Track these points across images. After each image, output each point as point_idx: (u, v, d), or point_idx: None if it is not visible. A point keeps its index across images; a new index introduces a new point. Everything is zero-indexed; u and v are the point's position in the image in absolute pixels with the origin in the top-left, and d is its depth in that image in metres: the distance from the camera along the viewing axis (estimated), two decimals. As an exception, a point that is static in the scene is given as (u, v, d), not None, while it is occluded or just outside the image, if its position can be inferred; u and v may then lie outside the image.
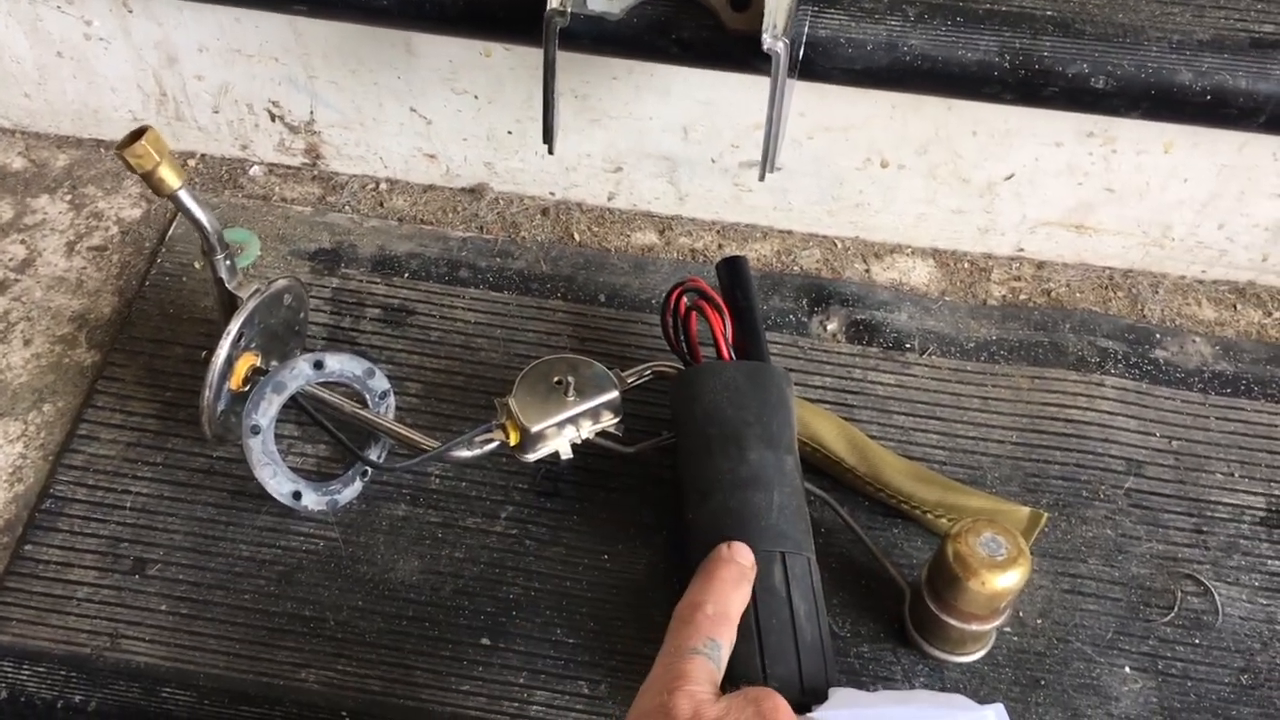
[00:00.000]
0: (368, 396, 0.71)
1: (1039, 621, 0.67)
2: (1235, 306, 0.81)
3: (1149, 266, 0.82)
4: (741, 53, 0.66)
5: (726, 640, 0.53)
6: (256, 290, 0.66)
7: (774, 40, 0.62)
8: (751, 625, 0.59)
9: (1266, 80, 0.66)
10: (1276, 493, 0.72)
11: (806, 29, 0.67)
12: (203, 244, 0.65)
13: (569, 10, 0.64)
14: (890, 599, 0.67)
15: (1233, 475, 0.72)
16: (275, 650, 0.65)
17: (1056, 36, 0.67)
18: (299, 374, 0.68)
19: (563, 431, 0.67)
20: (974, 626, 0.62)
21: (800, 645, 0.59)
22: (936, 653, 0.65)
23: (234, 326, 0.65)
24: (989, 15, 0.68)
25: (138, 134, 0.59)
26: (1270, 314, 0.80)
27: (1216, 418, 0.75)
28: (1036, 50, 0.67)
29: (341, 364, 0.69)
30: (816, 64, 0.68)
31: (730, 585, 0.54)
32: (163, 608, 0.66)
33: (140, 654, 0.65)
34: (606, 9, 0.67)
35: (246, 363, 0.67)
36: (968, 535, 0.60)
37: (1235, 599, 0.68)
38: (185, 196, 0.62)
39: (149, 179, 0.60)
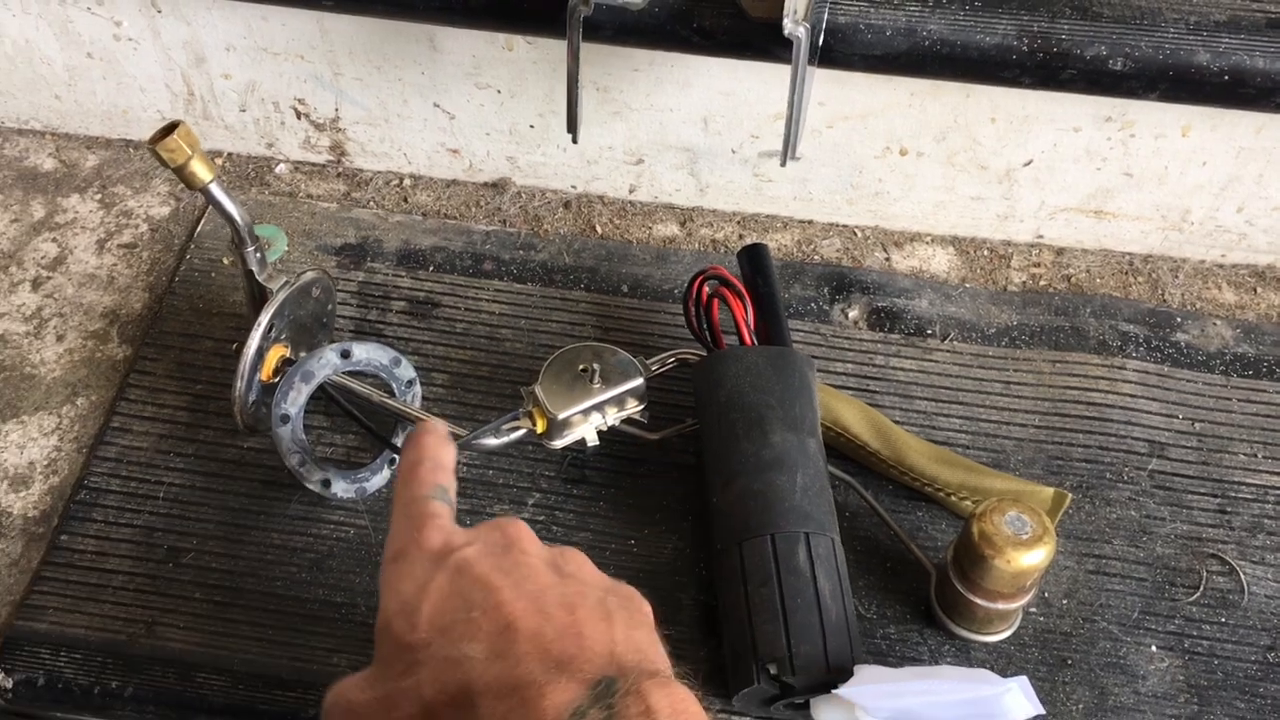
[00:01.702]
0: (394, 385, 0.72)
1: (1065, 602, 0.67)
2: (1255, 290, 0.81)
3: (1168, 251, 0.82)
4: (763, 40, 0.67)
5: (450, 486, 0.54)
6: (286, 282, 0.67)
7: (795, 25, 0.63)
8: (777, 604, 0.60)
9: (1284, 60, 0.66)
10: (1300, 473, 0.72)
11: (826, 15, 0.68)
12: (233, 237, 0.66)
13: (593, 0, 0.65)
14: (916, 580, 0.67)
15: (1255, 456, 0.73)
16: (308, 636, 0.66)
17: (1074, 19, 0.67)
18: (327, 363, 0.68)
19: (589, 419, 0.67)
20: (1000, 605, 0.63)
21: (825, 623, 0.60)
22: (963, 632, 0.65)
23: (264, 318, 0.66)
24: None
25: (169, 128, 0.60)
26: (1291, 296, 0.81)
27: (1239, 399, 0.75)
28: (1054, 33, 0.67)
29: (368, 353, 0.70)
30: (836, 50, 0.69)
31: (437, 443, 0.55)
32: (197, 595, 0.67)
33: (175, 640, 0.66)
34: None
35: (276, 354, 0.68)
36: (993, 514, 0.61)
37: (1261, 578, 0.68)
38: (216, 190, 0.63)
39: (181, 173, 0.61)
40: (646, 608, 0.49)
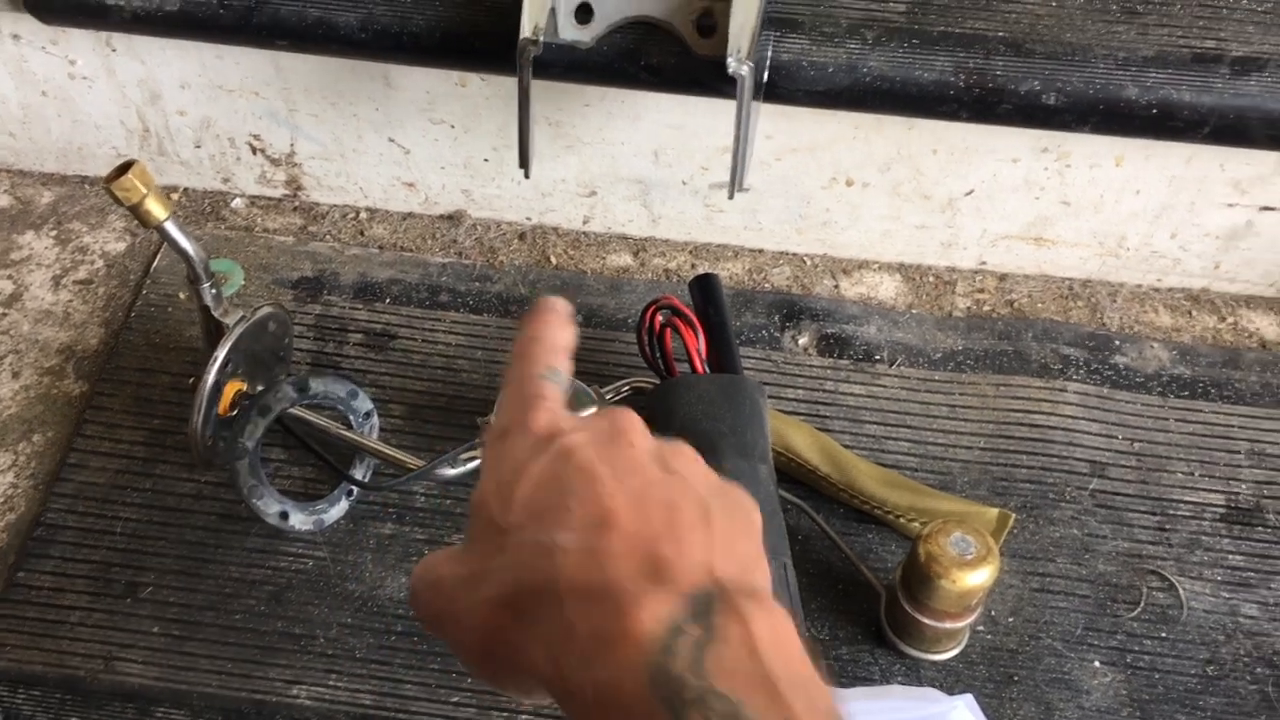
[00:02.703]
0: (351, 417, 0.72)
1: (1010, 619, 0.69)
2: (1190, 313, 0.84)
3: (1106, 276, 0.85)
4: (708, 77, 0.69)
5: (564, 370, 0.51)
6: (242, 318, 0.68)
7: (739, 64, 0.65)
8: (731, 629, 0.61)
9: (1209, 93, 0.69)
10: (1235, 490, 0.74)
11: (770, 53, 0.70)
12: (189, 273, 0.66)
13: (541, 39, 0.67)
14: (866, 601, 0.69)
15: (1193, 474, 0.75)
16: (267, 668, 0.66)
17: (1008, 56, 0.70)
18: (284, 396, 0.69)
19: (544, 447, 0.68)
20: (947, 624, 0.64)
21: (779, 648, 0.61)
22: (912, 652, 0.66)
23: (220, 354, 0.66)
24: (943, 37, 0.70)
25: (124, 168, 0.61)
26: (1224, 319, 0.83)
27: (1176, 419, 0.77)
28: (990, 69, 0.69)
29: (325, 385, 0.71)
30: (780, 86, 0.70)
31: (558, 323, 0.52)
32: (155, 629, 0.68)
33: (134, 675, 0.66)
34: (578, 37, 0.69)
35: (233, 389, 0.69)
36: (938, 536, 0.62)
37: (1199, 593, 0.70)
38: (172, 227, 0.63)
39: (136, 211, 0.62)
40: (756, 515, 0.45)
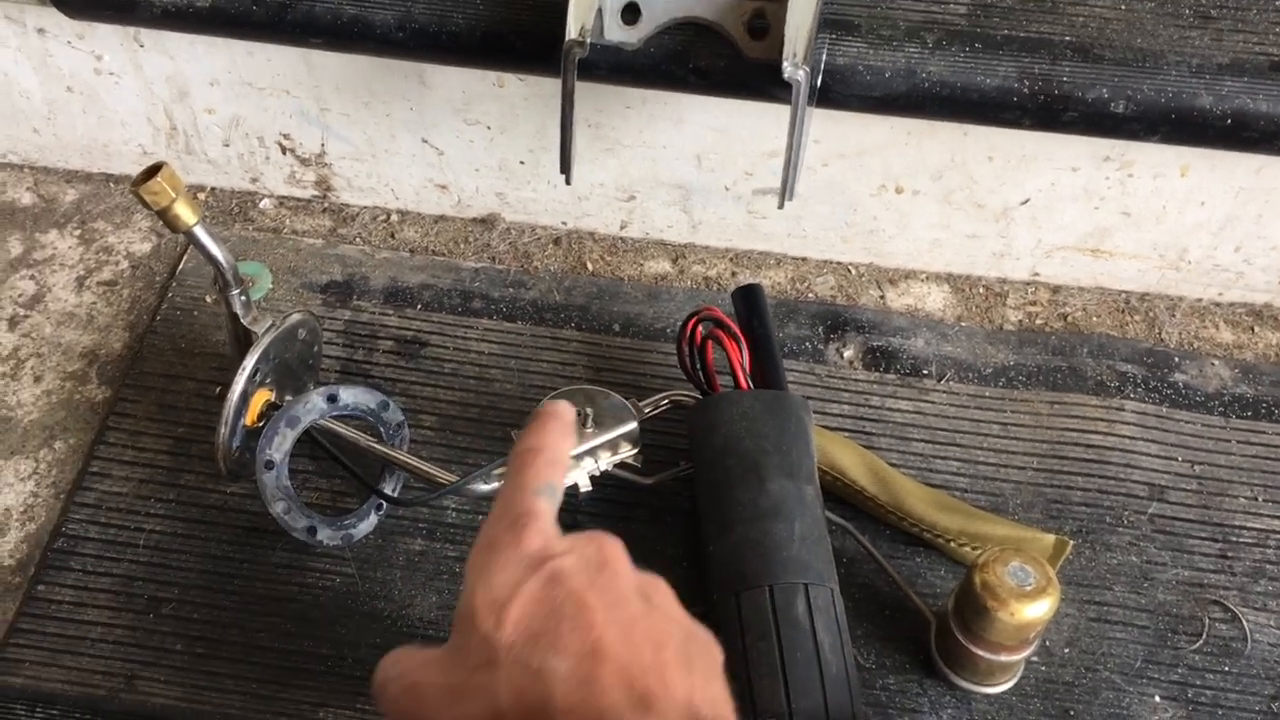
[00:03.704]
0: (382, 430, 0.70)
1: (1066, 651, 0.66)
2: (1253, 329, 0.81)
3: (1165, 290, 0.82)
4: (760, 81, 0.66)
5: (560, 486, 0.54)
6: (271, 325, 0.66)
7: (794, 69, 0.62)
8: (776, 659, 0.59)
9: (1286, 103, 0.66)
10: (1301, 517, 0.71)
11: (825, 56, 0.67)
12: (218, 280, 0.64)
13: (588, 40, 0.64)
14: (915, 629, 0.66)
15: (1256, 499, 0.72)
16: (292, 690, 0.64)
17: (1075, 61, 0.67)
18: (313, 408, 0.67)
19: (581, 464, 0.66)
20: (1003, 657, 0.61)
21: (825, 678, 0.59)
22: (964, 684, 0.64)
23: (249, 362, 0.64)
24: (1007, 41, 0.67)
25: (152, 170, 0.59)
26: (1289, 336, 0.80)
27: (1238, 441, 0.74)
28: (1056, 75, 0.66)
29: (355, 397, 0.69)
30: (834, 91, 0.68)
31: (560, 434, 0.55)
32: (178, 647, 0.66)
33: (156, 695, 0.64)
34: (624, 39, 0.67)
35: (261, 398, 0.67)
36: (995, 565, 0.59)
37: (1263, 625, 0.67)
38: (200, 233, 0.61)
39: (164, 216, 0.60)
40: (720, 657, 0.49)
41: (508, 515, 0.50)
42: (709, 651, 0.49)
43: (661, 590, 0.50)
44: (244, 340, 0.66)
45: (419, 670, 0.48)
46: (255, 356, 0.64)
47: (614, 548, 0.50)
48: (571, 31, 0.64)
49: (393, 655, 0.49)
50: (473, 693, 0.45)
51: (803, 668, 0.59)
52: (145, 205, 0.59)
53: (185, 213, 0.60)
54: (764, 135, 0.76)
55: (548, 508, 0.51)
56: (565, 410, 0.57)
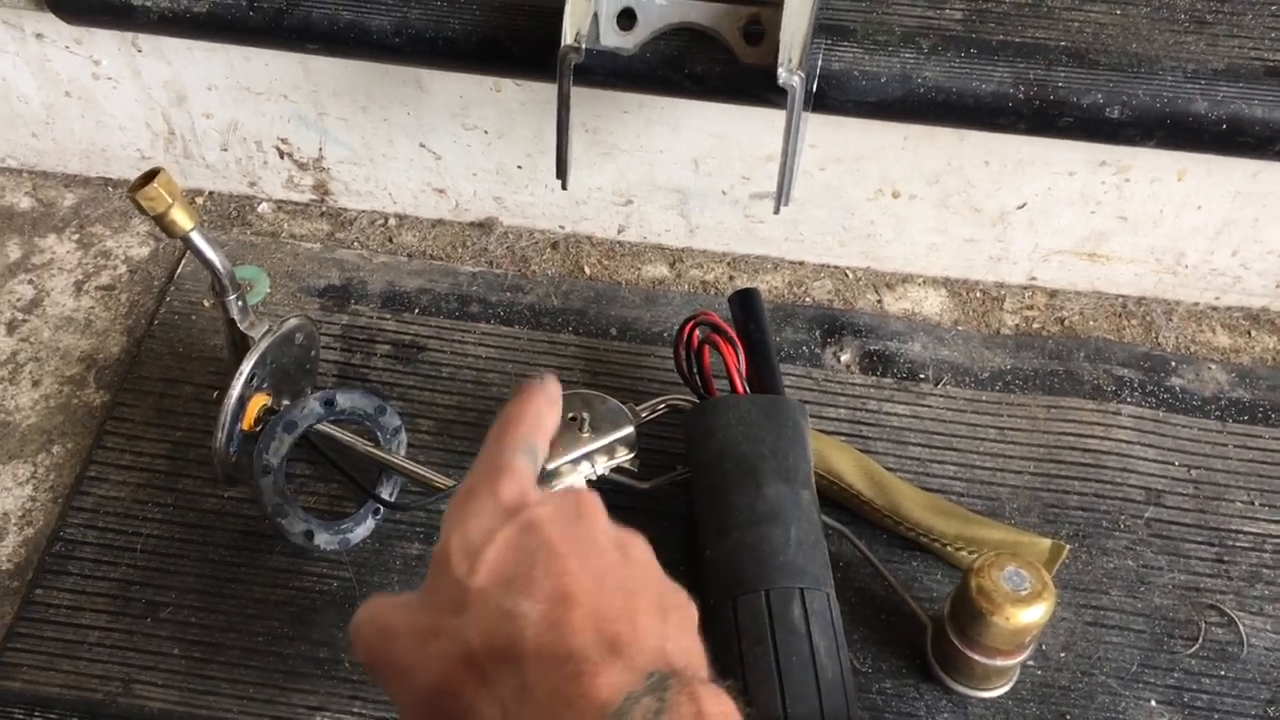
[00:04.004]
0: (379, 434, 0.70)
1: (1063, 655, 0.66)
2: (1250, 333, 0.81)
3: (1162, 294, 0.82)
4: (756, 86, 0.66)
5: (542, 451, 0.54)
6: (268, 330, 0.66)
7: (789, 74, 0.62)
8: (772, 663, 0.59)
9: (1282, 108, 0.66)
10: (1298, 521, 0.71)
11: (820, 62, 0.67)
12: (214, 285, 0.64)
13: (583, 46, 0.64)
14: (911, 633, 0.66)
15: (1253, 504, 0.72)
16: (290, 694, 0.64)
17: (1070, 67, 0.67)
18: (310, 413, 0.67)
19: (578, 468, 0.66)
20: (998, 662, 0.61)
21: (821, 683, 0.59)
22: (960, 688, 0.64)
23: (246, 367, 0.64)
24: (1002, 46, 0.67)
25: (149, 176, 0.59)
26: (1285, 340, 0.80)
27: (1235, 445, 0.74)
28: (1051, 81, 0.66)
29: (352, 401, 0.69)
30: (830, 97, 0.68)
31: (546, 406, 0.55)
32: (175, 651, 0.66)
33: (153, 699, 0.64)
34: (620, 44, 0.67)
35: (258, 403, 0.67)
36: (990, 569, 0.60)
37: (1260, 629, 0.67)
38: (197, 238, 0.61)
39: (161, 221, 0.60)
40: (694, 612, 0.49)
41: (486, 468, 0.51)
42: (684, 606, 0.48)
43: (639, 545, 0.50)
44: (241, 345, 0.66)
45: (391, 613, 0.48)
46: (252, 362, 0.64)
47: (591, 501, 0.50)
48: (567, 37, 0.64)
49: (368, 601, 0.49)
50: (443, 634, 0.45)
51: (798, 672, 0.59)
52: (142, 211, 0.59)
53: (182, 218, 0.60)
54: (761, 140, 0.76)
55: (526, 464, 0.52)
56: (551, 385, 0.57)
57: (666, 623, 0.46)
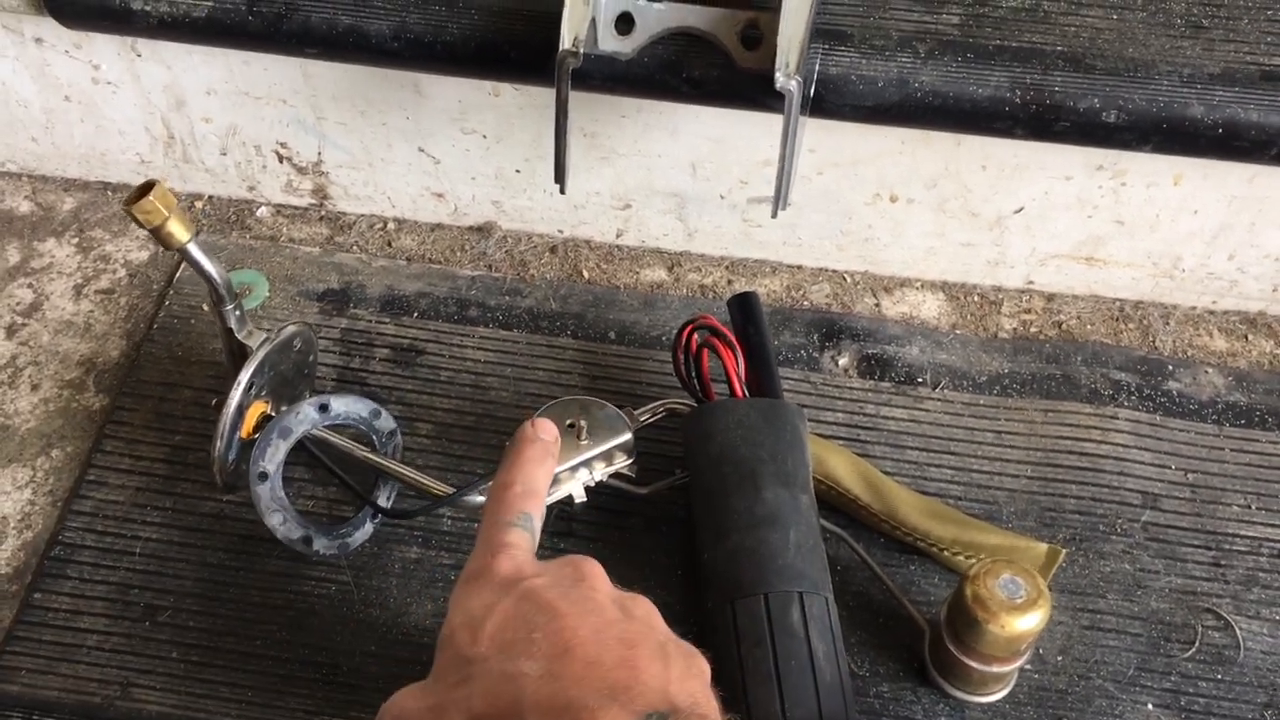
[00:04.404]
0: (375, 438, 0.70)
1: (1059, 659, 0.66)
2: (1247, 337, 0.81)
3: (1160, 298, 0.82)
4: (753, 91, 0.66)
5: (537, 514, 0.56)
6: (266, 339, 0.66)
7: (786, 79, 0.62)
8: (770, 667, 0.59)
9: (1278, 113, 0.66)
10: (1294, 525, 0.71)
11: (818, 66, 0.67)
12: (211, 295, 0.64)
13: (581, 51, 0.64)
14: (909, 637, 0.66)
15: (1249, 508, 0.72)
16: (287, 698, 0.64)
17: (1067, 71, 0.67)
18: (304, 418, 0.67)
19: (576, 475, 0.66)
20: (995, 668, 0.61)
21: (820, 686, 0.59)
22: (957, 693, 0.64)
23: (244, 376, 0.64)
24: (999, 51, 0.68)
25: (145, 189, 0.59)
26: (1282, 344, 0.80)
27: (1232, 449, 0.74)
28: (1047, 85, 0.67)
29: (347, 406, 0.69)
30: (827, 101, 0.68)
31: (535, 463, 0.57)
32: (174, 655, 0.66)
33: (151, 703, 0.64)
34: (618, 49, 0.67)
35: (257, 411, 0.67)
36: (985, 577, 0.60)
37: (1257, 633, 0.67)
38: (194, 249, 0.61)
39: (157, 234, 0.60)
40: (705, 665, 0.49)
41: (483, 548, 0.52)
42: (691, 655, 0.49)
43: (643, 606, 0.50)
44: (239, 354, 0.66)
45: (404, 698, 0.49)
46: (250, 371, 0.64)
47: (591, 566, 0.51)
48: (565, 42, 0.64)
49: (392, 697, 0.50)
50: (450, 706, 0.46)
51: (797, 676, 0.59)
52: (138, 223, 0.59)
53: (178, 230, 0.60)
54: (759, 144, 0.76)
55: (521, 537, 0.53)
56: (543, 432, 0.59)
57: (670, 669, 0.46)
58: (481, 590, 0.50)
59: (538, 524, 0.55)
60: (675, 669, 0.46)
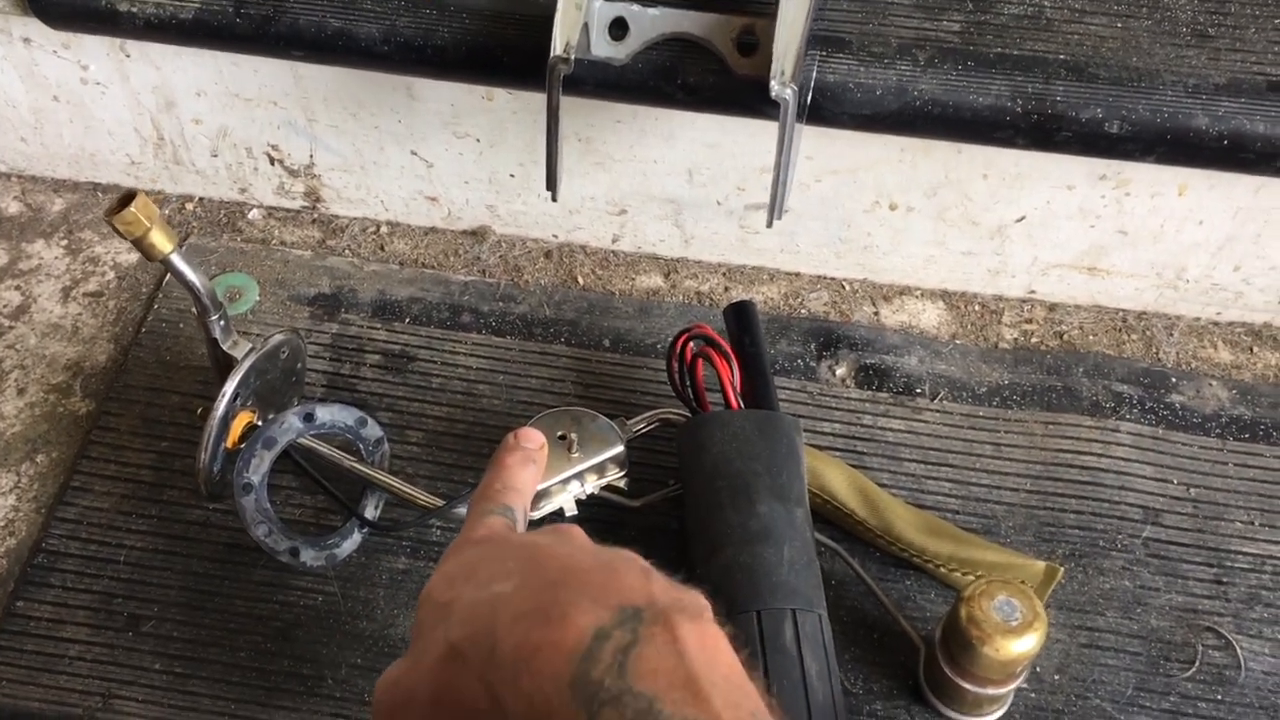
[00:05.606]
0: (361, 446, 0.69)
1: (1057, 677, 0.65)
2: (1251, 349, 0.79)
3: (1163, 309, 0.81)
4: (749, 98, 0.65)
5: (519, 508, 0.55)
6: (252, 349, 0.65)
7: (782, 87, 0.61)
8: (761, 685, 0.58)
9: (1285, 124, 0.65)
10: (1298, 542, 0.70)
11: (815, 74, 0.66)
12: (196, 306, 0.63)
13: (573, 57, 0.63)
14: (903, 654, 0.65)
15: (1252, 524, 0.71)
16: (272, 710, 0.63)
17: (1069, 81, 0.66)
18: (289, 428, 0.66)
19: (567, 488, 0.65)
20: (990, 690, 0.60)
21: (812, 705, 0.58)
22: (951, 714, 0.63)
23: (229, 388, 0.63)
24: (1000, 59, 0.66)
25: (126, 199, 0.58)
26: (1287, 357, 0.79)
27: (1235, 464, 0.73)
28: (1049, 95, 0.65)
29: (332, 415, 0.68)
30: (825, 109, 0.67)
31: (517, 467, 0.57)
32: (157, 666, 0.65)
33: (133, 714, 0.63)
34: (611, 54, 0.66)
35: (243, 420, 0.66)
36: (981, 598, 0.58)
37: (1258, 653, 0.66)
38: (177, 260, 0.60)
39: (139, 244, 0.59)
40: (703, 599, 0.46)
41: (464, 528, 0.53)
42: (675, 583, 0.46)
43: (625, 551, 0.48)
44: (224, 364, 0.65)
45: (393, 667, 0.48)
46: (235, 382, 0.63)
47: (573, 527, 0.51)
48: (557, 48, 0.63)
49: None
50: (429, 647, 0.45)
51: (789, 695, 0.58)
52: (120, 234, 0.58)
53: (160, 241, 0.59)
54: (756, 150, 0.75)
55: (497, 520, 0.53)
56: (525, 440, 0.59)
57: (652, 580, 0.44)
58: (457, 552, 0.50)
59: (520, 516, 0.54)
60: (659, 582, 0.44)
